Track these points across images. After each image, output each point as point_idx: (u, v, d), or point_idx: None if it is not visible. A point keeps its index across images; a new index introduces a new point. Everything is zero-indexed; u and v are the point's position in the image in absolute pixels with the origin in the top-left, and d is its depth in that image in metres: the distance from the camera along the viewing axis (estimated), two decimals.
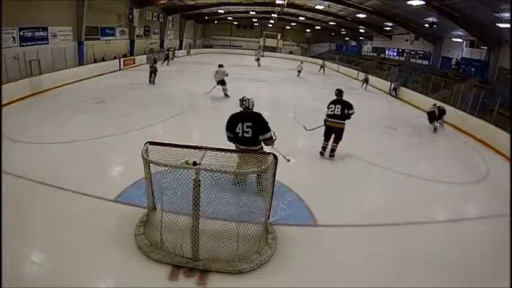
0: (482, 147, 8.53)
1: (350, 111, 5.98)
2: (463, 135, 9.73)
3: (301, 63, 22.24)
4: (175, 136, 4.52)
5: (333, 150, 6.26)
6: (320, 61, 27.82)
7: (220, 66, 11.59)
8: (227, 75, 11.54)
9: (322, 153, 6.36)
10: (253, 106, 4.31)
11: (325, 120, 6.11)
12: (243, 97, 4.28)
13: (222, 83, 11.46)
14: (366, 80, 18.23)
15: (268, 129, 4.17)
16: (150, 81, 13.43)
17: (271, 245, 3.42)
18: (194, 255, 3.08)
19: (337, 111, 5.92)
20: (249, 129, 4.03)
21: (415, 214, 4.57)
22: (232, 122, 4.16)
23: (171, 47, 26.91)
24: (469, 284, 3.21)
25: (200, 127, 8.23)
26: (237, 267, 3.04)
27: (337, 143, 6.21)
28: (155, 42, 24.73)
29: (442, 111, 9.71)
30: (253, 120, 4.09)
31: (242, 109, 4.29)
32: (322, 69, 25.11)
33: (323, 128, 6.25)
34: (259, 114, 4.22)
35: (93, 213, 3.86)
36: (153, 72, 13.45)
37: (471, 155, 7.86)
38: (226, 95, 11.55)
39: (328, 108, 6.08)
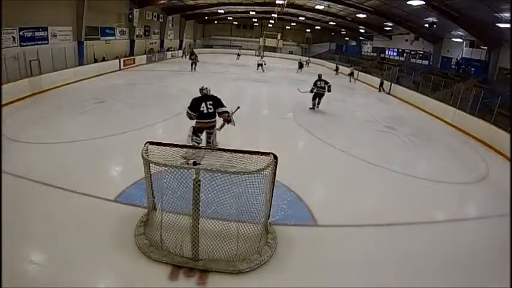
0: (482, 147, 8.52)
1: (329, 84, 10.36)
2: (463, 135, 9.72)
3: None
4: (175, 136, 4.51)
5: (319, 103, 10.60)
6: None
7: (263, 57, 23.39)
8: (265, 63, 21.80)
9: (313, 108, 10.54)
10: (209, 92, 5.39)
11: (313, 90, 10.36)
12: (202, 86, 5.38)
13: (261, 66, 21.25)
14: (347, 72, 21.88)
15: (223, 105, 5.38)
16: (192, 69, 18.26)
17: (271, 245, 3.42)
18: (194, 255, 3.08)
19: (323, 85, 10.28)
20: (211, 106, 5.27)
21: (415, 214, 4.57)
22: (197, 104, 5.23)
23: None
24: (469, 284, 3.21)
25: None
26: (237, 267, 3.04)
27: (321, 100, 10.61)
28: (155, 42, 24.69)
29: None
30: (213, 99, 5.33)
31: (201, 95, 5.34)
32: (302, 67, 23.87)
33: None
34: (216, 96, 5.42)
35: (93, 213, 3.86)
36: (194, 62, 18.44)
37: (471, 155, 7.85)
38: (263, 70, 20.96)
39: (316, 84, 10.28)
